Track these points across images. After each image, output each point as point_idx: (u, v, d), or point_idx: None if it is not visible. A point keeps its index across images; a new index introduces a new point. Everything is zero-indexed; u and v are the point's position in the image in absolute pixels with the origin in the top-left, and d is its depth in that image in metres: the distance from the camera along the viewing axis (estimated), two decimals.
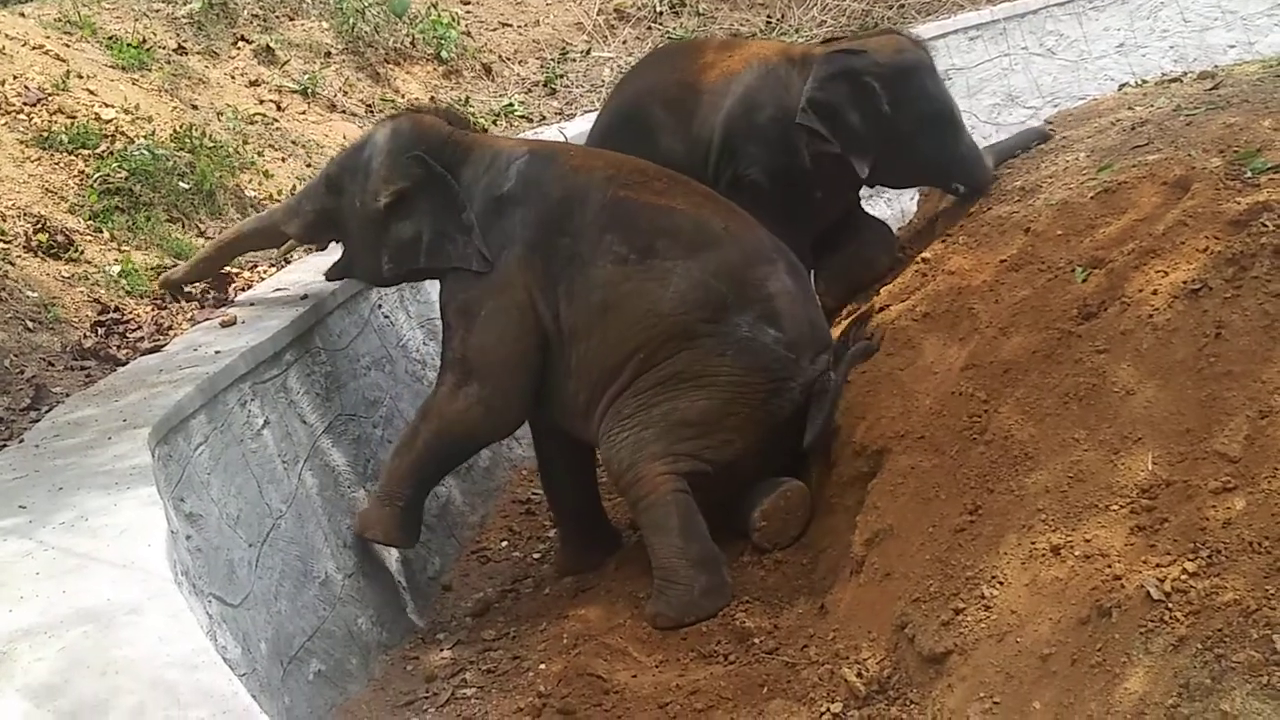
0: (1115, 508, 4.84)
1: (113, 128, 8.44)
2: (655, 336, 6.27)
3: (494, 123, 11.24)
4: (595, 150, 7.02)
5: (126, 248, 7.63)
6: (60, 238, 7.32)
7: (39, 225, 7.32)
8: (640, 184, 6.52)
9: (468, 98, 11.49)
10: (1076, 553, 4.82)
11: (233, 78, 10.25)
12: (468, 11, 12.90)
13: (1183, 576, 4.43)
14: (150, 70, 9.57)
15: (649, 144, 7.10)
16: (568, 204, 6.49)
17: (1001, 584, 4.98)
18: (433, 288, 7.21)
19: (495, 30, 12.83)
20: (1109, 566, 4.68)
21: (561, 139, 10.10)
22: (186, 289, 7.38)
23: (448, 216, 6.61)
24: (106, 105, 8.67)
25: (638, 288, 6.30)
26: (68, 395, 6.07)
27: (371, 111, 10.62)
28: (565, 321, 6.40)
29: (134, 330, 6.89)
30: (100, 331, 6.83)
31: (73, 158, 8.05)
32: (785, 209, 6.94)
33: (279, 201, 8.15)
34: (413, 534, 6.74)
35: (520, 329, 6.46)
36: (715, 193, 6.80)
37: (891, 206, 8.88)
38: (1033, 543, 4.99)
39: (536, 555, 7.24)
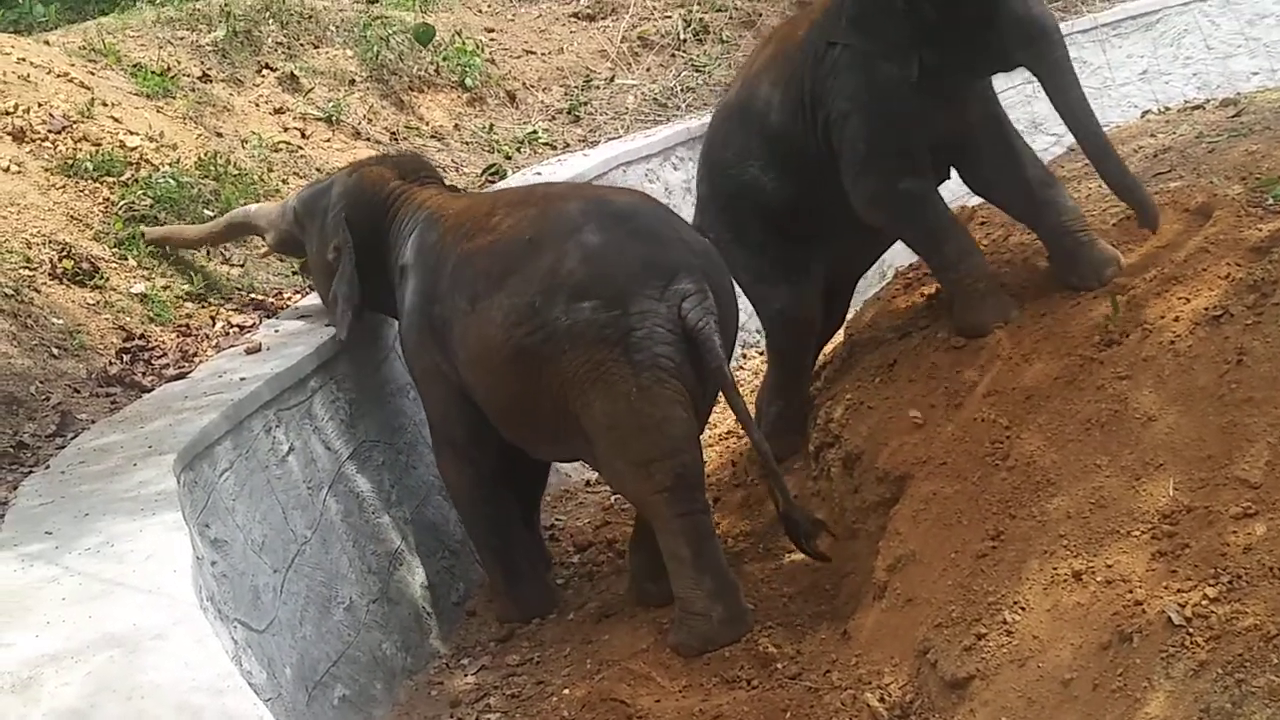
0: (1137, 533, 4.86)
1: (137, 155, 8.47)
2: (510, 371, 6.21)
3: (518, 150, 11.27)
4: (471, 203, 6.89)
5: (152, 275, 7.66)
6: (85, 265, 7.36)
7: (64, 252, 7.35)
8: (478, 230, 6.51)
9: (491, 125, 11.52)
10: (1098, 578, 4.84)
11: (257, 105, 10.28)
12: (492, 39, 12.93)
13: (1203, 602, 4.44)
14: (175, 98, 9.60)
15: (763, 128, 6.89)
16: (435, 273, 6.60)
17: (1023, 609, 4.99)
18: None
19: (519, 58, 12.84)
20: (1130, 592, 4.70)
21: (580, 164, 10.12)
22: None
23: (342, 281, 6.99)
24: (131, 133, 8.70)
25: (477, 335, 6.29)
26: (93, 422, 6.11)
27: (395, 139, 10.65)
28: (463, 378, 6.52)
29: (159, 357, 6.94)
30: (125, 358, 6.88)
31: (97, 185, 8.09)
32: (902, 127, 6.43)
33: None
34: (533, 605, 6.94)
35: (440, 390, 6.73)
36: (554, 185, 7.16)
37: None
38: (1054, 568, 5.00)
39: (560, 581, 7.25)
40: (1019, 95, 12.72)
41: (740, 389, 9.00)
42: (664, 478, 6.02)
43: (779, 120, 6.79)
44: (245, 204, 8.38)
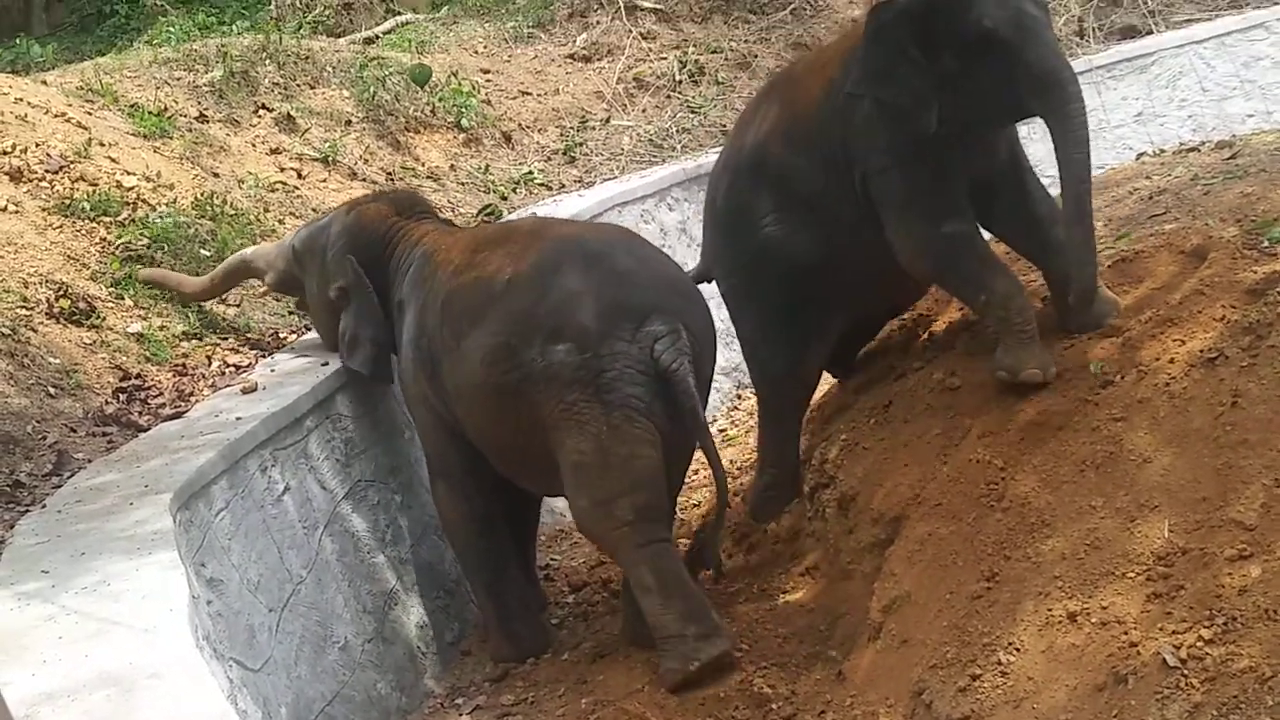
0: (1131, 575, 4.86)
1: (134, 195, 8.50)
2: (491, 408, 6.36)
3: (514, 190, 11.31)
4: (463, 238, 7.00)
5: (148, 315, 7.67)
6: (82, 304, 7.37)
7: (61, 292, 7.36)
8: (465, 266, 6.62)
9: (488, 165, 11.56)
10: (1093, 619, 4.84)
11: (254, 145, 10.32)
12: (488, 80, 12.98)
13: (1198, 643, 4.44)
14: (172, 138, 9.64)
15: (784, 187, 6.77)
16: (427, 308, 6.73)
17: (1018, 650, 4.99)
18: None
19: (515, 99, 12.90)
20: (1125, 633, 4.70)
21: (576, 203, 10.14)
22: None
23: (363, 322, 7.08)
24: (128, 173, 8.73)
25: (461, 372, 6.43)
26: (90, 461, 6.12)
27: (391, 179, 10.68)
28: (453, 412, 6.65)
29: (155, 396, 6.94)
30: (122, 398, 6.88)
31: (94, 225, 8.11)
32: (938, 174, 6.30)
33: None
34: (527, 643, 6.95)
35: (434, 424, 6.87)
36: (539, 222, 7.45)
37: None
38: (1049, 609, 5.00)
39: (554, 621, 7.25)
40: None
41: (737, 427, 9.05)
42: (625, 513, 6.08)
43: (807, 180, 6.67)
44: (241, 245, 8.40)
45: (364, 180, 10.47)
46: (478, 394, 6.36)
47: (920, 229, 6.31)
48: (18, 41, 14.49)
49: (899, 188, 6.32)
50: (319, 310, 7.44)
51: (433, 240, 7.03)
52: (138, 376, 7.10)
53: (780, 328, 7.01)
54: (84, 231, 8.04)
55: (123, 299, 7.68)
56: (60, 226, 7.97)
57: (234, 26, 13.24)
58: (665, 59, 13.89)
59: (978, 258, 6.31)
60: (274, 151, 10.35)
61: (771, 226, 6.80)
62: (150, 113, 9.83)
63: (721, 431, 9.49)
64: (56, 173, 8.38)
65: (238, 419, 6.33)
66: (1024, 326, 6.03)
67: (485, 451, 6.63)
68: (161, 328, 7.60)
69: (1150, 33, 14.22)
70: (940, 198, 6.28)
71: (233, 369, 7.38)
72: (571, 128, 12.68)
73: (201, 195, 8.91)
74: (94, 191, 8.32)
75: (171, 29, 12.81)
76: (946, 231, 6.26)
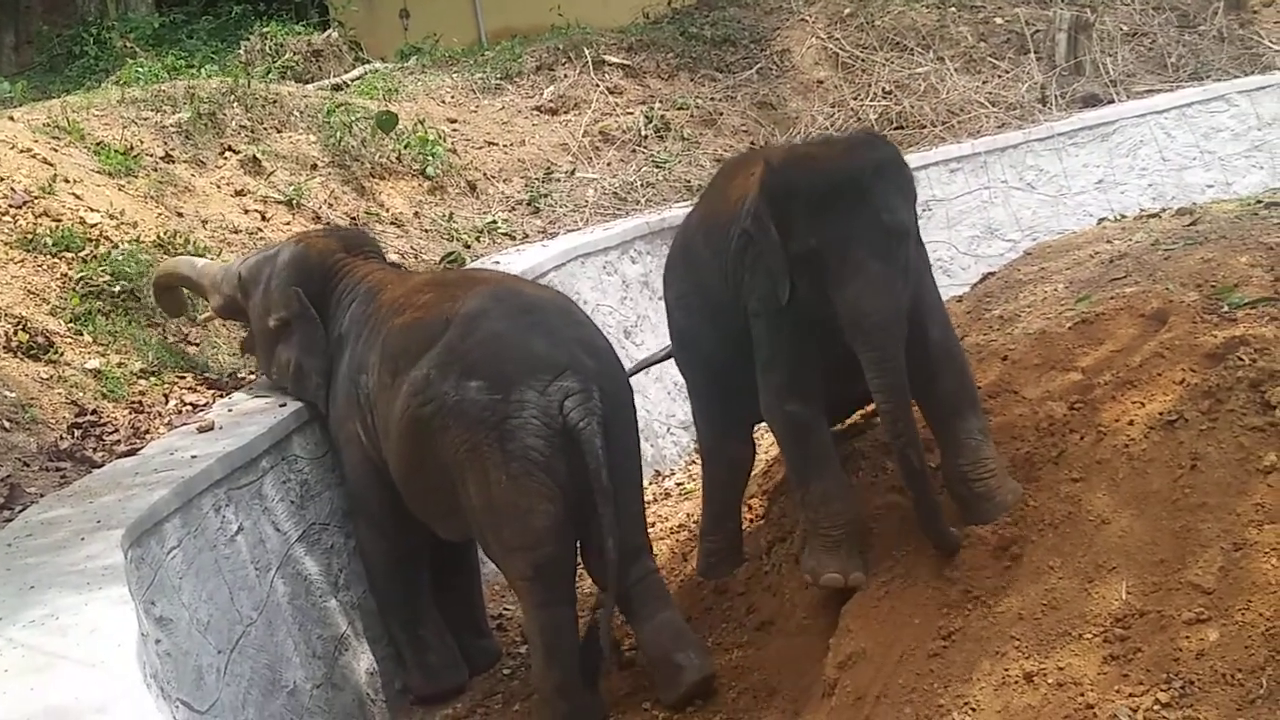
0: (1089, 636, 4.86)
1: (97, 232, 8.47)
2: (406, 441, 6.46)
3: (477, 239, 11.30)
4: (408, 280, 7.16)
5: (106, 351, 7.62)
6: (40, 339, 7.32)
7: (19, 326, 7.32)
8: (407, 306, 6.73)
9: (451, 214, 11.55)
10: (1049, 680, 4.83)
11: (219, 186, 10.29)
12: (454, 129, 13.00)
13: (1155, 707, 4.45)
14: (137, 177, 9.61)
15: (698, 280, 6.75)
16: (367, 344, 6.85)
17: (974, 710, 4.97)
18: None
19: (481, 148, 12.91)
20: (1081, 695, 4.69)
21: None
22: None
23: (310, 354, 7.16)
24: (92, 210, 8.70)
25: (390, 409, 6.54)
26: (42, 495, 6.05)
27: (355, 224, 10.65)
28: (379, 451, 6.76)
29: (111, 433, 6.89)
30: (77, 433, 6.82)
31: (56, 260, 8.07)
32: (796, 346, 6.07)
33: None
34: (442, 675, 7.07)
35: (361, 457, 6.92)
36: (484, 272, 7.70)
37: None
38: (1006, 669, 4.98)
39: (506, 671, 7.20)
40: (975, 201, 12.90)
41: (695, 482, 9.02)
42: (525, 568, 6.20)
43: (714, 284, 6.53)
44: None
45: (328, 224, 10.44)
46: (398, 428, 6.45)
47: (769, 395, 6.18)
48: None
49: (762, 340, 6.17)
50: (259, 337, 7.50)
51: (377, 278, 7.16)
52: (94, 413, 7.05)
53: (707, 403, 7.14)
54: (45, 267, 8.00)
55: (81, 335, 7.63)
56: (22, 261, 7.93)
57: (203, 70, 13.23)
58: (631, 114, 13.96)
59: (806, 450, 6.13)
60: (239, 193, 10.33)
61: (692, 313, 6.88)
62: (116, 151, 9.80)
63: (679, 485, 9.48)
64: (20, 208, 8.34)
65: (193, 457, 6.29)
66: (830, 531, 5.95)
67: (402, 492, 6.70)
68: (119, 364, 7.55)
69: (1112, 102, 14.35)
70: (791, 371, 6.10)
71: (190, 408, 7.34)
72: (536, 179, 12.70)
73: (164, 234, 8.87)
74: (57, 227, 8.29)
75: (140, 70, 12.78)
76: (788, 409, 6.13)
